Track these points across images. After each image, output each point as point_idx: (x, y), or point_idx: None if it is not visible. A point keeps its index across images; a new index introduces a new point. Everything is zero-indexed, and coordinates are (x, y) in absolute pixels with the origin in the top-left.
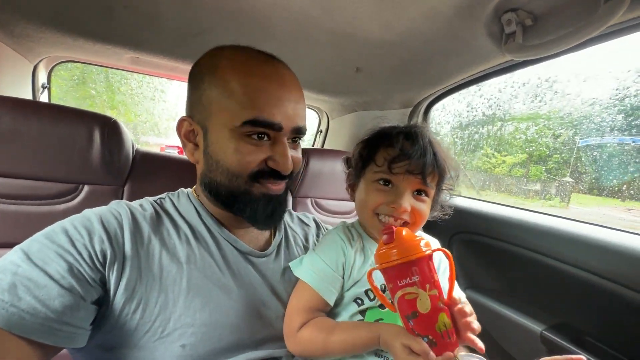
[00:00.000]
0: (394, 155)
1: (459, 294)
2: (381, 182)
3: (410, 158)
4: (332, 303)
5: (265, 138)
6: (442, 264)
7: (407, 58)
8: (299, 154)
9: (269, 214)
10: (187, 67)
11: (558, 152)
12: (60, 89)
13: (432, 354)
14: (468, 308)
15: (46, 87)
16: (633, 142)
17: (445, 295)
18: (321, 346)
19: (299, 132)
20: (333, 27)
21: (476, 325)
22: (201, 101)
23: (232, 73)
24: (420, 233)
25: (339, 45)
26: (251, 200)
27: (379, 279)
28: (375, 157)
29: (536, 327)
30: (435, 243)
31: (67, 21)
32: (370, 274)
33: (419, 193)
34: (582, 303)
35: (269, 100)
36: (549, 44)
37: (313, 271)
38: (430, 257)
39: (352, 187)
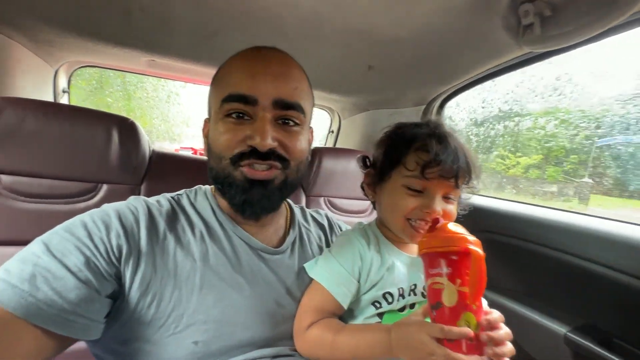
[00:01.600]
0: (428, 160)
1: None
2: (412, 189)
3: (443, 163)
4: (345, 306)
5: (246, 117)
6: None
7: (420, 54)
8: (294, 140)
9: (248, 199)
10: (201, 69)
11: (576, 152)
12: (79, 97)
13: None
14: (502, 324)
15: (66, 91)
16: None
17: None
18: (328, 347)
19: (283, 106)
20: (344, 25)
21: (507, 345)
22: (208, 98)
23: (226, 66)
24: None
25: (351, 44)
26: (232, 184)
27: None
28: (405, 161)
29: (560, 329)
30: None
31: (86, 26)
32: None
33: (447, 197)
34: (608, 303)
35: (242, 76)
36: (569, 34)
37: (328, 273)
38: (467, 253)
39: (371, 186)
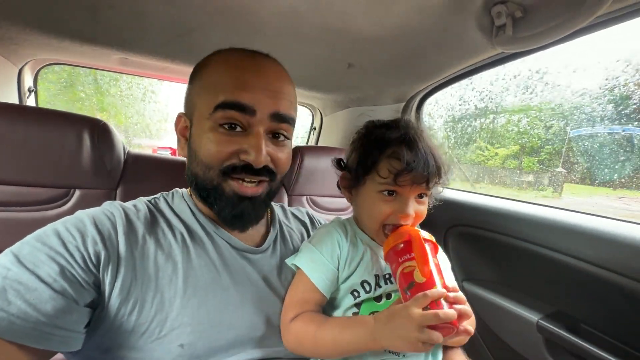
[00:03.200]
0: (400, 168)
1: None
2: (385, 193)
3: (415, 171)
4: (327, 294)
5: (239, 128)
6: (446, 264)
7: (398, 53)
8: (283, 154)
9: (237, 214)
10: (177, 67)
11: (550, 143)
12: (49, 93)
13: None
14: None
15: (33, 90)
16: (623, 131)
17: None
18: (311, 340)
19: (279, 119)
20: (323, 23)
21: (471, 316)
22: (190, 96)
23: (214, 67)
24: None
25: (330, 41)
26: (221, 196)
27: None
28: (378, 169)
29: (532, 317)
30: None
31: (51, 22)
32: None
33: (419, 196)
34: (576, 291)
35: (241, 85)
36: (538, 36)
37: (309, 261)
38: (424, 240)
39: (347, 189)
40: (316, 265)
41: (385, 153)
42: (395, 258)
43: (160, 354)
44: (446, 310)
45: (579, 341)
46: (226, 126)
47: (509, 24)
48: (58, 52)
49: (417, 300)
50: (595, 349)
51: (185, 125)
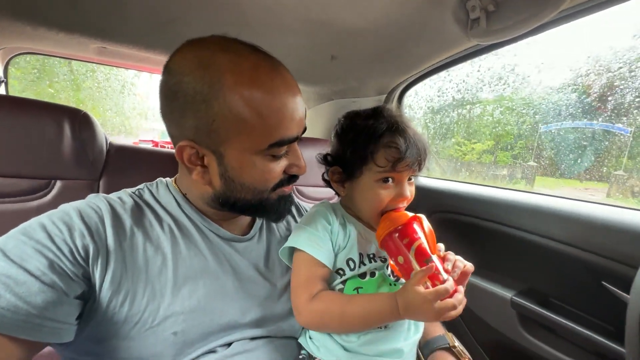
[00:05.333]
0: (398, 157)
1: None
2: (383, 181)
3: (410, 155)
4: (330, 265)
5: (284, 151)
6: None
7: (380, 45)
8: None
9: (288, 210)
10: (158, 58)
11: (522, 138)
12: (13, 89)
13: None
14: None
15: (3, 80)
16: (588, 126)
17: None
18: (338, 316)
19: (304, 131)
20: (307, 15)
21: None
22: (211, 127)
23: (243, 93)
24: None
25: (314, 33)
26: (272, 205)
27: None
28: (376, 158)
29: (507, 294)
30: None
31: (24, 9)
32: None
33: (409, 179)
34: (546, 269)
35: (287, 117)
36: (509, 28)
37: (305, 239)
38: (418, 217)
39: (339, 183)
40: (313, 241)
41: (380, 143)
42: (410, 235)
43: (153, 342)
44: (458, 297)
45: (550, 314)
46: (276, 155)
47: (482, 17)
48: (32, 41)
49: (437, 292)
50: (564, 320)
51: (195, 153)
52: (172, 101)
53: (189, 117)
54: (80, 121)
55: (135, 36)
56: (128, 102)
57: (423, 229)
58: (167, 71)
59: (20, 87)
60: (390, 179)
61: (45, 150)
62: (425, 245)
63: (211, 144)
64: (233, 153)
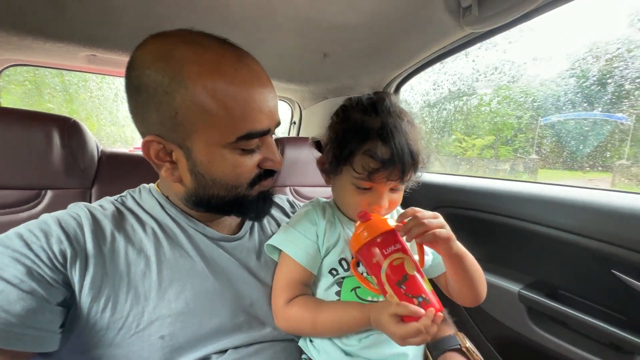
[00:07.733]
0: (375, 167)
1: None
2: (360, 187)
3: (390, 168)
4: (312, 270)
5: (256, 144)
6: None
7: (372, 40)
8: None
9: (267, 209)
10: None
11: (523, 132)
12: (8, 102)
13: (422, 310)
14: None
15: None
16: (590, 117)
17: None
18: (310, 324)
19: (277, 125)
20: (296, 12)
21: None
22: (175, 120)
23: (208, 84)
24: None
25: (304, 31)
26: (251, 202)
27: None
28: (353, 164)
29: (514, 288)
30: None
31: (10, 18)
32: (354, 261)
33: (394, 188)
34: (553, 260)
35: (254, 109)
36: (502, 14)
37: (284, 238)
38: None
39: (325, 172)
40: (293, 242)
41: (360, 148)
42: (379, 251)
43: (140, 348)
44: (424, 322)
45: (559, 306)
46: (246, 148)
47: (474, 5)
48: (20, 52)
49: (400, 308)
50: (573, 312)
51: (162, 148)
52: (136, 96)
53: (152, 110)
54: (69, 129)
55: (124, 42)
56: (122, 110)
57: (397, 242)
58: (130, 66)
59: (13, 103)
60: (369, 187)
61: (34, 160)
62: (407, 262)
63: (177, 138)
64: (200, 147)
